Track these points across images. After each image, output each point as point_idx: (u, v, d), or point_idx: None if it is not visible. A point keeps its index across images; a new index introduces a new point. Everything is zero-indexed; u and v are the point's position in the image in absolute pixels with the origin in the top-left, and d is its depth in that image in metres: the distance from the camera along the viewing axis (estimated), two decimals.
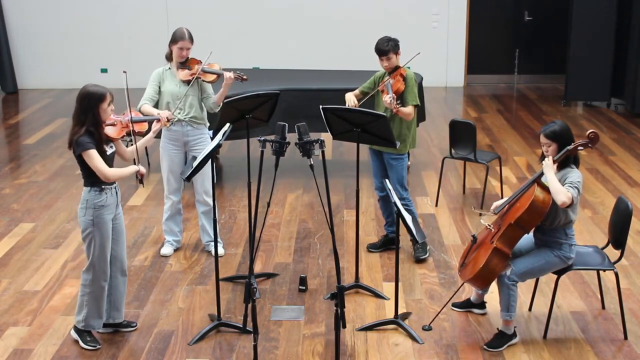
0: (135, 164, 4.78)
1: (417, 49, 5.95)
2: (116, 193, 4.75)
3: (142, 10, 12.00)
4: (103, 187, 4.64)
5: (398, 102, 5.64)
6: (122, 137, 4.77)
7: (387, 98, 5.59)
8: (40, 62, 12.26)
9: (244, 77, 6.00)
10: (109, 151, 4.67)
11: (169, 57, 5.91)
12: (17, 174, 8.21)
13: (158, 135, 5.53)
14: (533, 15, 12.40)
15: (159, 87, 5.85)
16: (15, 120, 10.61)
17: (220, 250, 6.09)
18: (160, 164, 6.08)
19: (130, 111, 4.81)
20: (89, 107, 4.52)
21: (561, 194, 4.46)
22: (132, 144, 4.83)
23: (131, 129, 4.74)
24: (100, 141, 4.58)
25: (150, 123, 5.08)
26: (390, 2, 12.01)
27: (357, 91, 6.01)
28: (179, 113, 5.81)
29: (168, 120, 5.34)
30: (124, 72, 4.88)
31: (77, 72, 11.96)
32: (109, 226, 4.70)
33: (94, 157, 4.54)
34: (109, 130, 4.66)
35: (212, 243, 6.05)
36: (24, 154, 8.97)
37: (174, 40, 5.80)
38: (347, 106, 5.76)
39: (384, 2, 12.01)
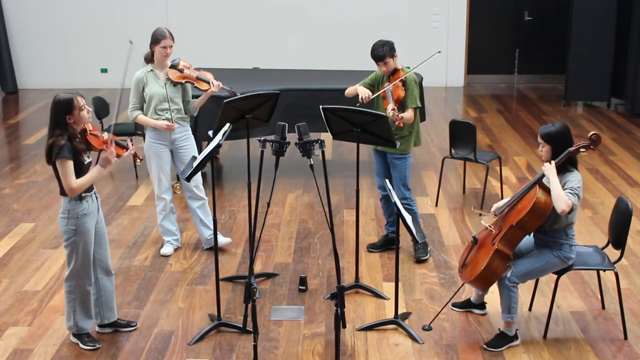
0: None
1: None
2: (96, 198, 4.70)
3: (142, 10, 11.99)
4: (82, 195, 4.55)
5: (399, 114, 5.58)
6: (101, 150, 4.62)
7: (390, 111, 5.55)
8: (40, 62, 12.25)
9: (234, 91, 6.00)
10: (87, 161, 4.57)
11: (149, 59, 5.90)
12: (17, 174, 8.21)
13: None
14: (533, 15, 12.40)
15: (143, 91, 5.87)
16: (15, 120, 10.61)
17: (224, 239, 6.16)
18: (147, 166, 6.03)
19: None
20: (63, 113, 4.48)
21: (561, 202, 4.44)
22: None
23: (112, 146, 4.62)
24: (78, 147, 4.48)
25: (126, 150, 4.78)
26: (390, 2, 12.01)
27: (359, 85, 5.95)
28: (166, 113, 5.84)
29: (138, 158, 5.07)
30: (130, 42, 4.82)
31: (77, 72, 11.94)
32: (92, 233, 4.64)
33: (67, 167, 4.42)
34: (90, 138, 4.58)
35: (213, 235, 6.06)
36: (24, 154, 8.97)
37: (156, 40, 5.79)
38: (360, 97, 5.73)
39: (384, 2, 12.01)
